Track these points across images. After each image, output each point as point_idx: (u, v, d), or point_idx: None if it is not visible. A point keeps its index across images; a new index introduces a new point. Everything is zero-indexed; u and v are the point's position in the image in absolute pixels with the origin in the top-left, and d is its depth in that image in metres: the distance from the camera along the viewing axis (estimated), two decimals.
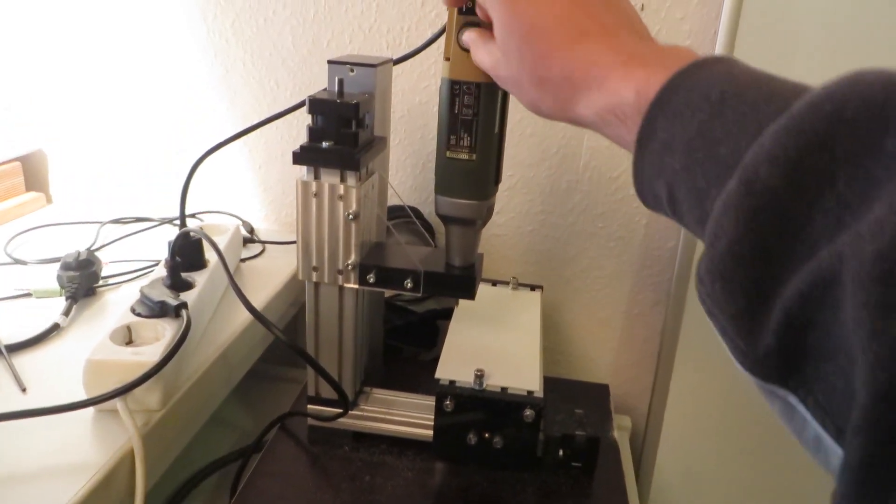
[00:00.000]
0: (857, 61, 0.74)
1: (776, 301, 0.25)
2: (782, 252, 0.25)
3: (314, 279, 0.64)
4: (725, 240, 0.26)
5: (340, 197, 0.61)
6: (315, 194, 0.61)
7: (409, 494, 0.63)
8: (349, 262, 0.63)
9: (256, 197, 0.98)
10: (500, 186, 0.90)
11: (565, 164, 0.88)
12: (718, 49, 0.78)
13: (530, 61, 0.42)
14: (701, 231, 0.29)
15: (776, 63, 0.76)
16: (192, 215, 0.94)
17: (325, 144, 0.58)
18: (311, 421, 0.69)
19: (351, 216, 0.61)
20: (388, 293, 0.86)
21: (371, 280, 0.63)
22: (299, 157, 0.59)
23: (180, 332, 0.57)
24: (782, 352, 0.25)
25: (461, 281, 0.63)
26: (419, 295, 0.63)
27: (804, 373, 0.25)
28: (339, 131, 0.58)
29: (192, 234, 0.68)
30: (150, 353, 0.55)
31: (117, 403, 0.53)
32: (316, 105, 0.58)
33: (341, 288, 0.64)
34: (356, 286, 0.64)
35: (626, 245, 0.90)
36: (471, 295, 0.63)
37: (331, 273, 0.63)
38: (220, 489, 0.73)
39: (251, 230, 0.93)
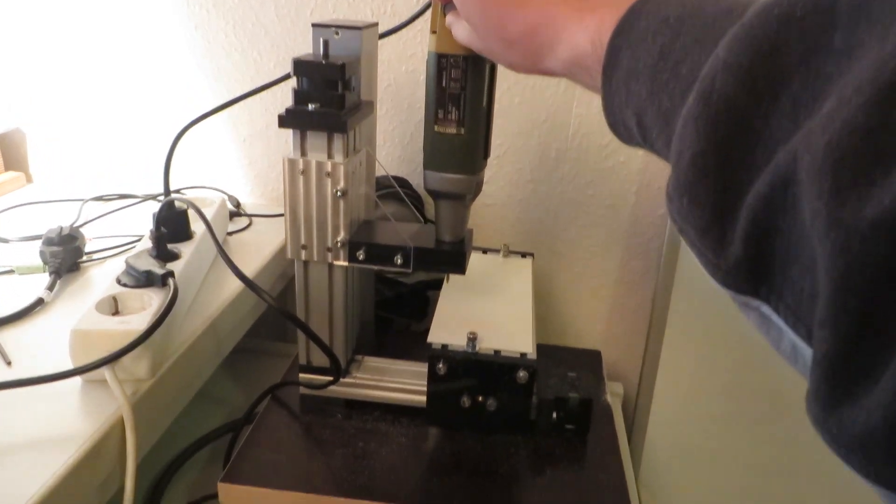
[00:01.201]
0: None
1: (741, 209, 0.25)
2: (744, 160, 0.25)
3: (303, 257, 0.63)
4: (688, 153, 0.26)
5: (328, 174, 0.60)
6: (302, 172, 0.60)
7: (403, 460, 0.62)
8: (338, 239, 0.62)
9: (241, 171, 0.97)
10: (490, 155, 0.89)
11: (554, 132, 0.87)
12: None
13: (493, 27, 0.44)
14: (669, 153, 0.29)
15: None
16: (177, 191, 0.93)
17: (311, 107, 0.57)
18: (302, 390, 0.68)
19: (339, 193, 0.60)
20: None
21: (361, 257, 0.62)
22: (285, 121, 0.58)
23: (167, 300, 0.56)
24: (750, 260, 0.25)
25: (451, 256, 0.62)
26: (409, 271, 0.63)
27: (773, 279, 0.24)
28: (326, 93, 0.57)
29: (177, 203, 0.66)
30: (137, 322, 0.54)
31: (105, 372, 0.52)
32: (301, 67, 0.57)
33: (331, 265, 0.64)
34: (346, 264, 0.63)
35: (615, 213, 0.90)
36: (461, 270, 0.63)
37: (320, 251, 0.63)
38: (212, 462, 0.73)
39: (237, 204, 0.92)
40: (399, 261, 0.62)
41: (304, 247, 0.63)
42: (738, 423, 0.92)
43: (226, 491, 0.59)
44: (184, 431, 0.75)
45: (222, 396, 0.83)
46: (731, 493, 0.96)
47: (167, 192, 0.70)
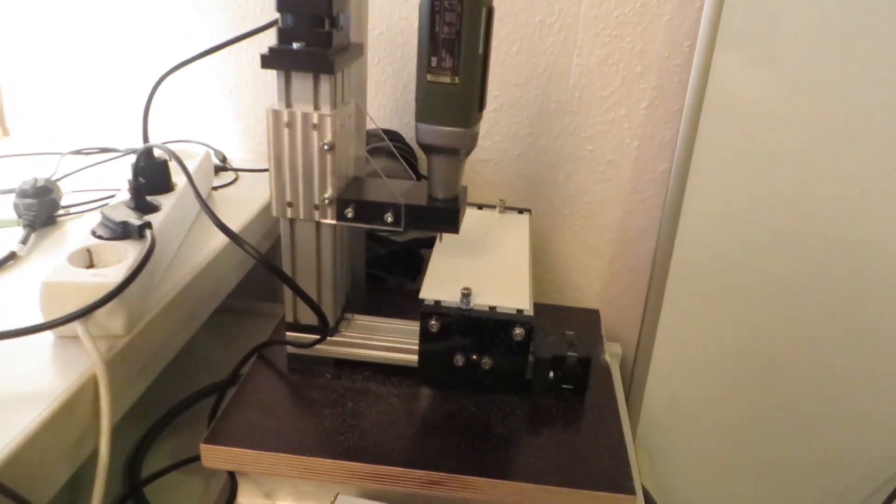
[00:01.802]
0: (843, 44, 0.69)
1: None
2: None
3: (289, 215, 0.60)
4: None
5: (314, 126, 0.57)
6: (287, 124, 0.57)
7: (394, 420, 0.60)
8: (325, 196, 0.59)
9: (228, 124, 0.93)
10: (486, 108, 0.86)
11: (554, 83, 0.83)
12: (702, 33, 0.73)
13: None
14: None
15: (759, 45, 0.72)
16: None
17: (295, 46, 0.53)
18: (290, 349, 0.66)
19: (326, 147, 0.57)
20: None
21: (349, 215, 0.59)
22: (268, 61, 0.54)
23: (144, 252, 0.53)
24: None
25: (444, 214, 0.59)
26: (400, 229, 0.60)
27: None
28: (312, 31, 0.53)
29: (156, 151, 0.63)
30: (111, 275, 0.51)
31: (77, 327, 0.49)
32: (285, 1, 0.53)
33: (318, 224, 0.61)
34: (334, 222, 0.60)
35: (616, 169, 0.86)
36: (454, 229, 0.60)
37: (306, 208, 0.60)
38: (197, 424, 0.70)
39: (224, 159, 0.88)
40: (389, 219, 0.59)
41: (289, 204, 0.60)
42: (737, 384, 0.90)
43: (208, 452, 0.56)
44: (168, 392, 0.73)
45: (208, 357, 0.81)
46: (729, 454, 0.94)
47: (146, 141, 0.66)
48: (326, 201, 0.59)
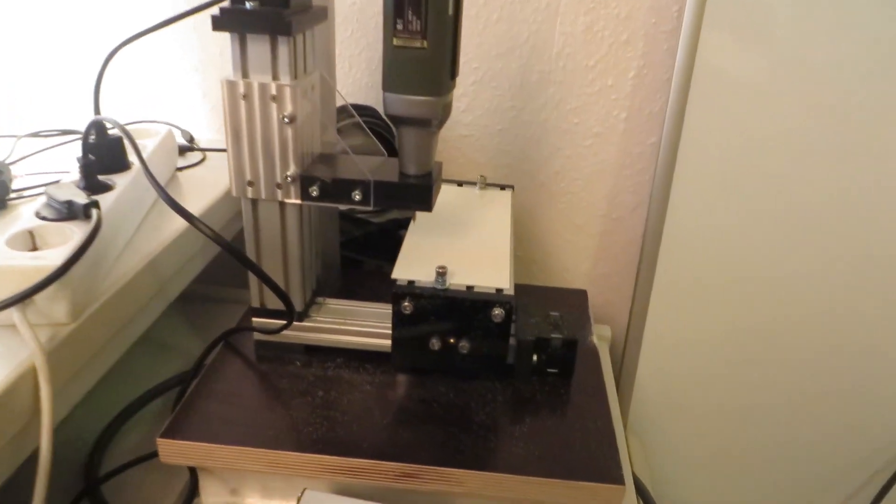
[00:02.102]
0: (830, 37, 0.65)
1: None
2: None
3: (250, 195, 0.56)
4: None
5: (273, 97, 0.53)
6: (244, 96, 0.53)
7: (367, 409, 0.56)
8: (288, 173, 0.55)
9: (196, 104, 0.88)
10: (466, 80, 0.81)
11: (537, 52, 0.79)
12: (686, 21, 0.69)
13: None
14: None
15: (746, 37, 0.68)
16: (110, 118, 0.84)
17: (249, 5, 0.49)
18: (256, 335, 0.62)
19: (286, 119, 0.53)
20: None
21: (314, 193, 0.55)
22: (219, 22, 0.50)
23: (89, 233, 0.49)
24: None
25: (416, 191, 0.55)
26: (370, 208, 0.56)
27: None
28: None
29: (107, 125, 0.59)
30: (51, 257, 0.47)
31: (14, 314, 0.45)
32: None
33: (282, 204, 0.57)
34: (298, 201, 0.56)
35: (603, 142, 0.82)
36: (427, 206, 0.56)
37: (268, 187, 0.56)
38: (162, 417, 0.66)
39: (191, 139, 0.84)
40: (358, 197, 0.55)
41: (250, 183, 0.56)
42: (732, 367, 0.87)
43: (166, 447, 0.52)
44: (131, 384, 0.69)
45: (176, 346, 0.77)
46: (725, 441, 0.91)
47: (97, 111, 0.62)
48: (289, 179, 0.55)
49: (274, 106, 0.53)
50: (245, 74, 0.53)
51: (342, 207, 0.75)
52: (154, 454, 0.58)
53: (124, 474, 0.59)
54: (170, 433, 0.53)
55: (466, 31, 0.78)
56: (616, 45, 0.77)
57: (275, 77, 0.52)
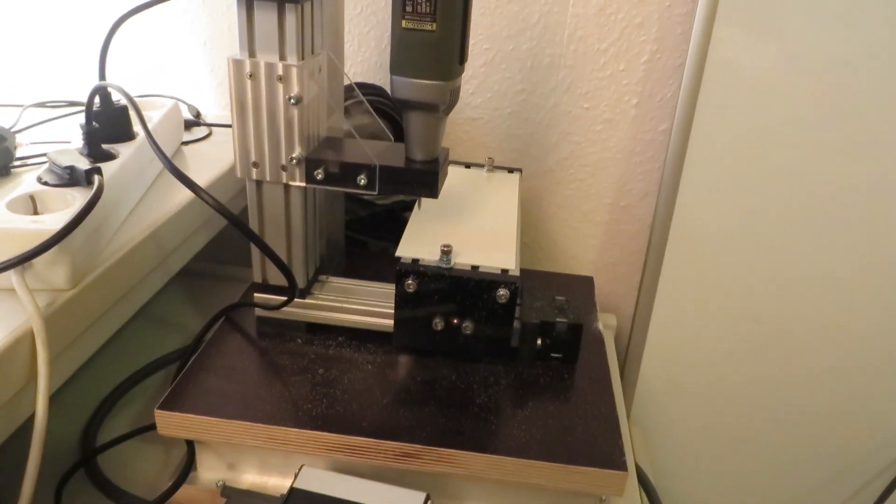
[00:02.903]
0: (842, 32, 0.63)
1: None
2: None
3: (254, 176, 0.56)
4: None
5: (280, 78, 0.52)
6: (250, 75, 0.52)
7: (367, 388, 0.55)
8: (293, 155, 0.54)
9: (204, 79, 0.87)
10: (476, 62, 0.80)
11: (548, 34, 0.78)
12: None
13: None
14: None
15: (758, 30, 0.66)
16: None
17: None
18: (258, 311, 0.61)
19: (292, 100, 0.52)
20: None
21: (319, 177, 0.54)
22: None
23: (90, 198, 0.48)
24: None
25: (422, 177, 0.55)
26: (374, 193, 0.55)
27: None
28: None
29: (112, 91, 0.58)
30: (52, 222, 0.47)
31: (12, 277, 0.44)
32: None
33: (287, 186, 0.56)
34: (302, 184, 0.55)
35: (613, 129, 0.81)
36: (433, 193, 0.55)
37: (273, 169, 0.55)
38: (161, 390, 0.66)
39: (197, 114, 0.83)
40: (363, 182, 0.54)
41: (255, 164, 0.55)
42: (739, 359, 0.86)
43: (164, 419, 0.52)
44: (132, 357, 0.68)
45: (177, 322, 0.76)
46: (727, 434, 0.90)
47: (102, 75, 0.61)
48: (294, 161, 0.54)
49: (280, 87, 0.52)
50: (252, 53, 0.52)
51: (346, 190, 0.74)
52: (152, 427, 0.57)
53: (121, 446, 0.58)
54: (168, 405, 0.52)
55: (477, 10, 0.77)
56: (629, 29, 0.76)
57: (282, 57, 0.52)
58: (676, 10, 0.74)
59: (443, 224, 0.63)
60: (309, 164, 0.55)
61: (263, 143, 0.54)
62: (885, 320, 0.80)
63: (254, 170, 0.55)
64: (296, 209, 0.57)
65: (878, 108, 0.70)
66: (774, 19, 0.69)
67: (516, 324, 0.58)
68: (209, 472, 0.56)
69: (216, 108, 0.88)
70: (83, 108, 0.81)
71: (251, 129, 0.54)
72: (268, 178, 0.56)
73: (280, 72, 0.52)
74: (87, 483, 0.55)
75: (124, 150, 0.60)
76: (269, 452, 0.54)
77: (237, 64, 0.52)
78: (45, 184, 0.52)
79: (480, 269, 0.55)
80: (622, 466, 0.50)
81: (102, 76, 0.59)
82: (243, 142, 0.54)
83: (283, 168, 0.55)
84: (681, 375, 0.87)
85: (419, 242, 0.59)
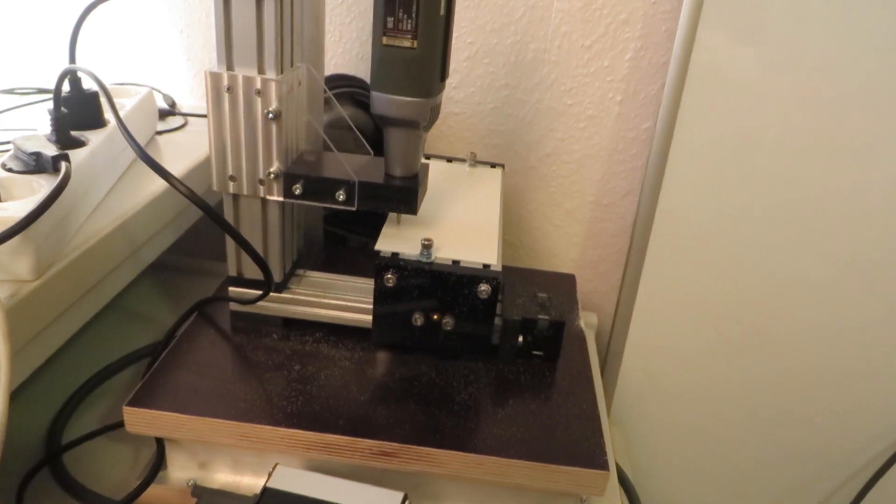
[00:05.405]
0: (825, 35, 0.63)
1: None
2: None
3: (231, 190, 0.54)
4: None
5: (258, 92, 0.51)
6: (228, 88, 0.51)
7: (345, 385, 0.54)
8: (271, 170, 0.53)
9: (180, 68, 0.85)
10: (459, 56, 0.79)
11: (532, 29, 0.77)
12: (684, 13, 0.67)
13: None
14: None
15: (741, 33, 0.66)
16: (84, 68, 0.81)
17: None
18: (233, 306, 0.59)
19: (271, 115, 0.51)
20: None
21: (297, 192, 0.54)
22: None
23: (56, 186, 0.46)
24: None
25: (401, 193, 0.54)
26: (353, 209, 0.54)
27: None
28: None
29: (81, 75, 0.56)
30: (15, 209, 0.45)
31: None
32: None
33: (264, 201, 0.55)
34: (280, 199, 0.54)
35: (597, 126, 0.80)
36: (412, 209, 0.55)
37: (250, 183, 0.54)
38: (131, 386, 0.64)
39: (172, 104, 0.81)
40: (341, 197, 0.54)
41: (232, 178, 0.54)
42: (719, 359, 0.86)
43: (133, 416, 0.50)
44: (102, 353, 0.66)
45: (149, 316, 0.74)
46: (709, 433, 0.90)
47: (73, 59, 0.59)
48: (272, 176, 0.53)
49: (258, 101, 0.51)
50: (230, 67, 0.51)
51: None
52: (120, 424, 0.55)
53: (88, 444, 0.56)
54: (137, 401, 0.50)
55: (461, 4, 0.76)
56: (614, 25, 0.75)
57: (260, 71, 0.51)
58: (662, 7, 0.74)
59: (424, 217, 0.62)
60: (287, 179, 0.54)
61: (241, 157, 0.53)
62: (864, 321, 0.81)
63: (231, 183, 0.54)
64: (273, 224, 0.57)
65: (859, 111, 0.70)
66: (757, 24, 0.68)
67: (497, 320, 0.57)
68: (180, 471, 0.54)
69: (192, 98, 0.86)
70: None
71: (228, 143, 0.53)
72: (245, 192, 0.55)
73: (258, 86, 0.51)
74: (52, 482, 0.53)
75: (94, 138, 0.58)
76: (242, 451, 0.53)
77: (215, 77, 0.51)
78: (10, 170, 0.50)
79: (462, 264, 0.54)
80: (604, 466, 0.49)
81: (73, 60, 0.57)
82: (220, 155, 0.53)
83: (261, 182, 0.54)
84: (661, 375, 0.87)
85: (399, 236, 0.58)
